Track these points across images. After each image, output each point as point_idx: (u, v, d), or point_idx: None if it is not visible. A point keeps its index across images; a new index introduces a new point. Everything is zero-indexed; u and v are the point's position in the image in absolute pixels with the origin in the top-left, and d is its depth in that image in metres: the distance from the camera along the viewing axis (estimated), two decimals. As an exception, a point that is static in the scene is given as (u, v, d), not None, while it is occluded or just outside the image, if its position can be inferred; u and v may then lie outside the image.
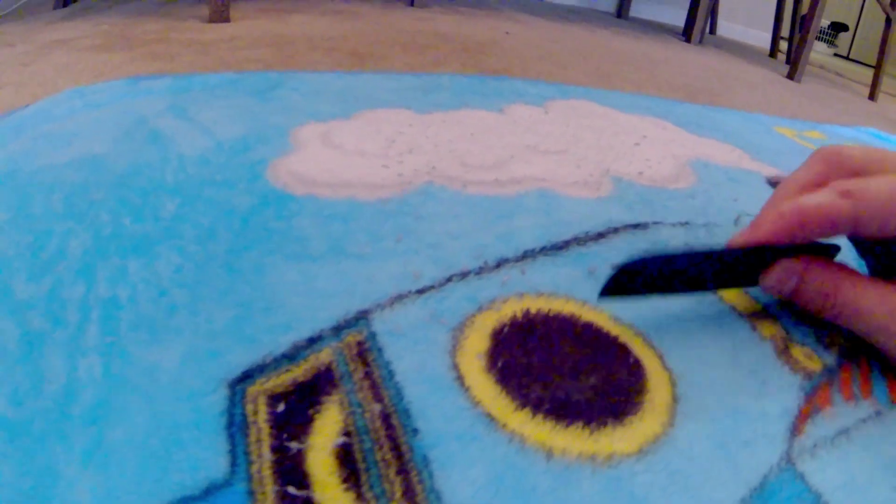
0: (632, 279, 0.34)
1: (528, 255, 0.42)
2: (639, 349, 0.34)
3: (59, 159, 0.48)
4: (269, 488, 0.24)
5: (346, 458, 0.26)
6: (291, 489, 0.24)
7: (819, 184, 0.35)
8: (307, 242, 0.40)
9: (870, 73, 1.87)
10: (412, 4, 1.43)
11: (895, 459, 0.30)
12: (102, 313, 0.33)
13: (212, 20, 1.01)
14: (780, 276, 0.36)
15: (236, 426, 0.27)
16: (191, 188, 0.45)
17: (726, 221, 0.53)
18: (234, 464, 0.25)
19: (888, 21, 1.77)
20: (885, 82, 1.99)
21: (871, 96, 1.81)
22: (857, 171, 0.35)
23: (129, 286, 0.35)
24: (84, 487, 0.24)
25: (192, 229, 0.40)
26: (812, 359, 0.35)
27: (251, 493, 0.24)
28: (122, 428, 0.26)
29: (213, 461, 0.25)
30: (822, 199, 0.33)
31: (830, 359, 0.36)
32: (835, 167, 0.36)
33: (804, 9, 1.90)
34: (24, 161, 0.47)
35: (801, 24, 1.75)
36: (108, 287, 0.34)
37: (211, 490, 0.24)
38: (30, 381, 0.28)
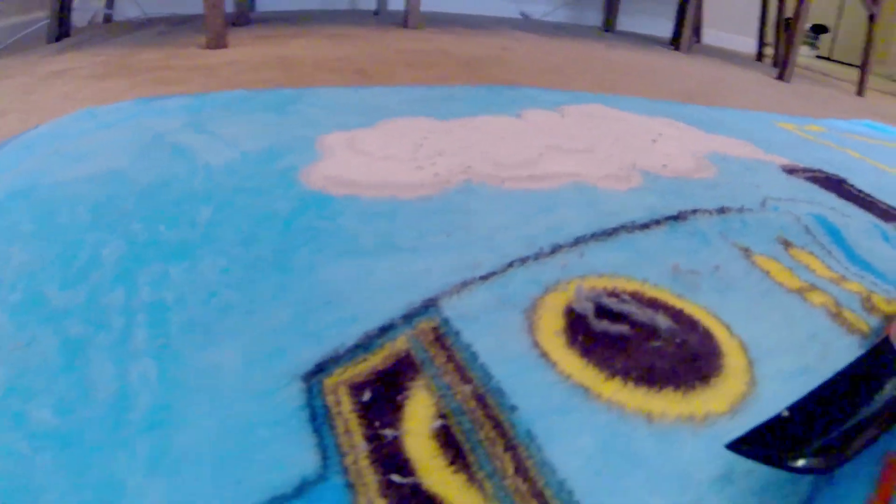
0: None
1: (580, 242, 0.42)
2: (706, 320, 0.35)
3: (78, 174, 0.46)
4: (371, 479, 0.22)
5: (446, 440, 0.24)
6: (396, 477, 0.22)
7: None
8: (356, 240, 0.39)
9: (853, 72, 1.88)
10: (406, 25, 1.43)
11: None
12: (149, 317, 0.31)
13: (209, 46, 1.00)
14: None
15: (320, 419, 0.25)
16: (223, 196, 0.44)
17: (756, 206, 0.53)
18: (325, 457, 0.23)
19: (871, 17, 1.78)
20: (869, 79, 2.01)
21: (859, 93, 1.83)
22: None
23: (174, 289, 0.33)
24: (155, 495, 0.22)
25: (232, 233, 0.39)
26: (861, 321, 0.36)
27: (350, 485, 0.22)
28: (189, 431, 0.24)
29: (300, 457, 0.23)
30: None
31: (874, 321, 0.37)
32: None
33: (788, 12, 1.92)
34: (41, 177, 0.46)
35: (787, 27, 1.77)
36: (151, 292, 0.33)
37: (305, 487, 0.22)
38: (76, 389, 0.26)
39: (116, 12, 1.44)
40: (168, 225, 0.39)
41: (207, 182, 0.46)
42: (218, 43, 1.01)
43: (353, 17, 1.63)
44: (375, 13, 1.77)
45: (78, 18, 1.30)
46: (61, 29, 1.11)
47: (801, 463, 0.24)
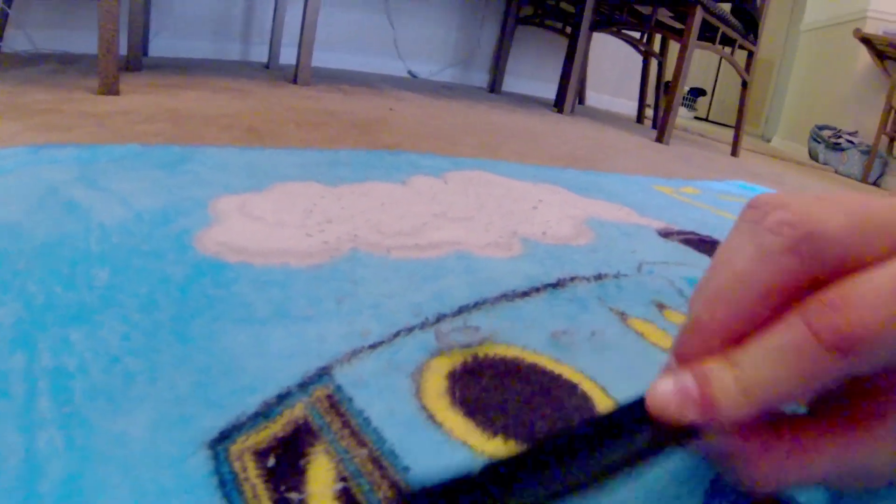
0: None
1: (463, 311, 0.45)
2: (583, 383, 0.38)
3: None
4: (280, 540, 0.24)
5: (348, 501, 0.26)
6: (304, 537, 0.24)
7: (790, 290, 0.25)
8: (251, 307, 0.41)
9: (728, 132, 2.06)
10: (295, 81, 1.46)
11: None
12: (52, 384, 0.31)
13: (101, 92, 1.00)
14: None
15: (229, 485, 0.26)
16: (119, 258, 0.44)
17: (632, 271, 0.58)
18: (236, 522, 0.25)
19: (744, 83, 1.96)
20: (743, 139, 2.19)
21: (734, 153, 1.99)
22: (841, 260, 0.24)
23: (75, 355, 0.33)
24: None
25: (130, 298, 0.39)
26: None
27: (261, 547, 0.24)
28: (103, 500, 0.25)
29: (214, 523, 0.25)
30: (806, 366, 0.23)
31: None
32: (809, 260, 0.24)
33: (667, 76, 2.06)
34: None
35: (666, 90, 1.91)
36: (52, 357, 0.33)
37: (217, 550, 0.24)
38: (-19, 459, 0.27)
39: (5, 44, 1.39)
40: (65, 286, 0.40)
41: (103, 242, 0.46)
42: (110, 89, 1.01)
43: (245, 70, 1.64)
44: (266, 66, 1.79)
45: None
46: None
47: None
